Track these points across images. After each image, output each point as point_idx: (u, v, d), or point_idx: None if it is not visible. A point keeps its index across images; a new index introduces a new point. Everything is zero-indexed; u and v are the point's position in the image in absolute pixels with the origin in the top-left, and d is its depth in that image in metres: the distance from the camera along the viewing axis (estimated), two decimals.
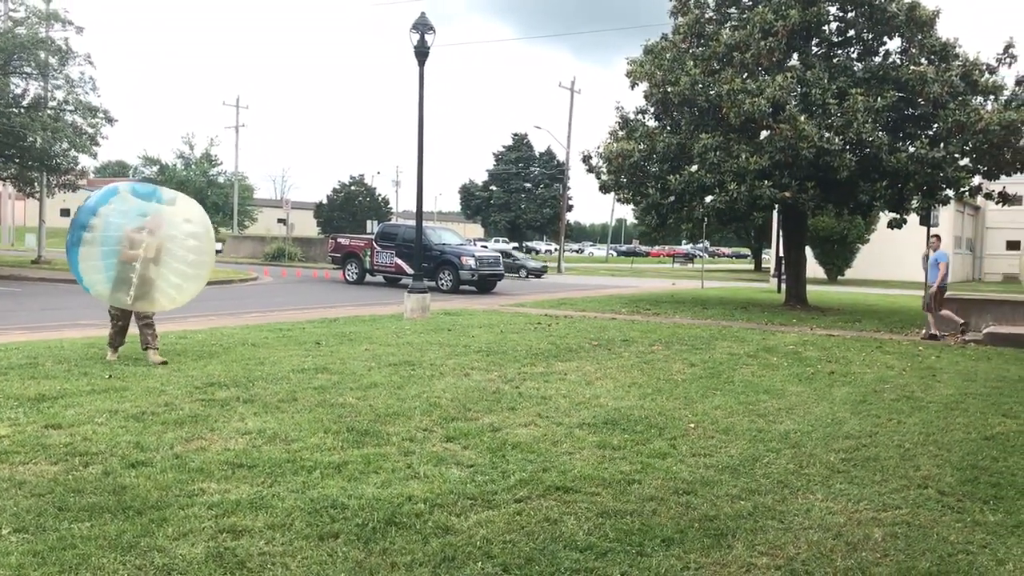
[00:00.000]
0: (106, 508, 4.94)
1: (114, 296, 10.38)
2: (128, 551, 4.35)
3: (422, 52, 17.77)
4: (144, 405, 7.68)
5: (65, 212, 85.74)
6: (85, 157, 35.58)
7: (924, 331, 16.63)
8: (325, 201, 78.49)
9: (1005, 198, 21.68)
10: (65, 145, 32.72)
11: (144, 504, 5.03)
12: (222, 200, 72.27)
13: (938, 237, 17.41)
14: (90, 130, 33.53)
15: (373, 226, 46.37)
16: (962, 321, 16.45)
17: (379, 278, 30.08)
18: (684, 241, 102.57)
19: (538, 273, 42.74)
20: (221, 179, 79.05)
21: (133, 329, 10.83)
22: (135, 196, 10.56)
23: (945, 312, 16.75)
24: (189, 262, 10.69)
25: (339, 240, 31.88)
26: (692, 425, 7.73)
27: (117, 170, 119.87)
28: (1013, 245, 59.86)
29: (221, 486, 5.43)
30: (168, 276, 10.51)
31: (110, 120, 34.16)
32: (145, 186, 11.05)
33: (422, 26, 17.72)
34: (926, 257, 17.23)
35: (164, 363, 10.14)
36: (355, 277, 30.10)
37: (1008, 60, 21.01)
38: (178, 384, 8.76)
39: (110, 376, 9.06)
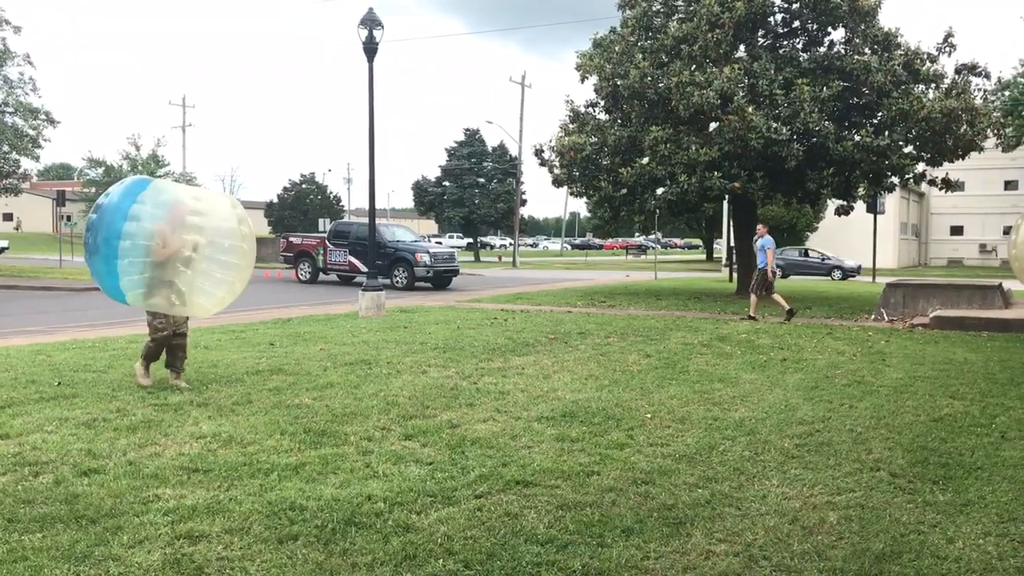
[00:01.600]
0: (58, 518, 4.84)
1: (149, 300, 8.73)
2: (82, 561, 4.27)
3: (371, 48, 17.64)
4: (95, 411, 7.54)
5: (8, 216, 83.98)
6: (27, 160, 34.83)
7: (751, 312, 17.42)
8: (276, 200, 77.55)
9: (948, 184, 22.17)
10: (6, 148, 32.04)
11: (98, 512, 4.94)
12: None
13: (763, 225, 18.52)
14: (31, 132, 32.87)
15: (325, 224, 46.03)
16: (788, 307, 17.25)
17: (333, 277, 29.85)
18: (637, 233, 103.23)
19: (853, 273, 39.21)
20: (169, 180, 77.93)
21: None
22: (166, 188, 8.88)
23: (776, 296, 17.77)
24: (232, 266, 8.84)
25: (291, 239, 31.56)
26: (649, 415, 7.80)
27: (61, 173, 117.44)
28: (956, 230, 61.21)
29: (176, 491, 5.36)
30: (204, 280, 8.69)
31: (52, 121, 33.51)
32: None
33: (370, 21, 17.60)
34: (755, 243, 18.29)
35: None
36: (308, 276, 29.83)
37: (948, 49, 21.48)
38: (130, 389, 8.62)
39: (59, 383, 8.87)
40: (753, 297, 17.57)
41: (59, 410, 7.59)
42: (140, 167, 77.27)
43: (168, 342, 8.95)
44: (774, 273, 17.59)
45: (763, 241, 17.61)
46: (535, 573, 4.25)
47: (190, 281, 8.56)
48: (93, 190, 76.54)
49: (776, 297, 17.77)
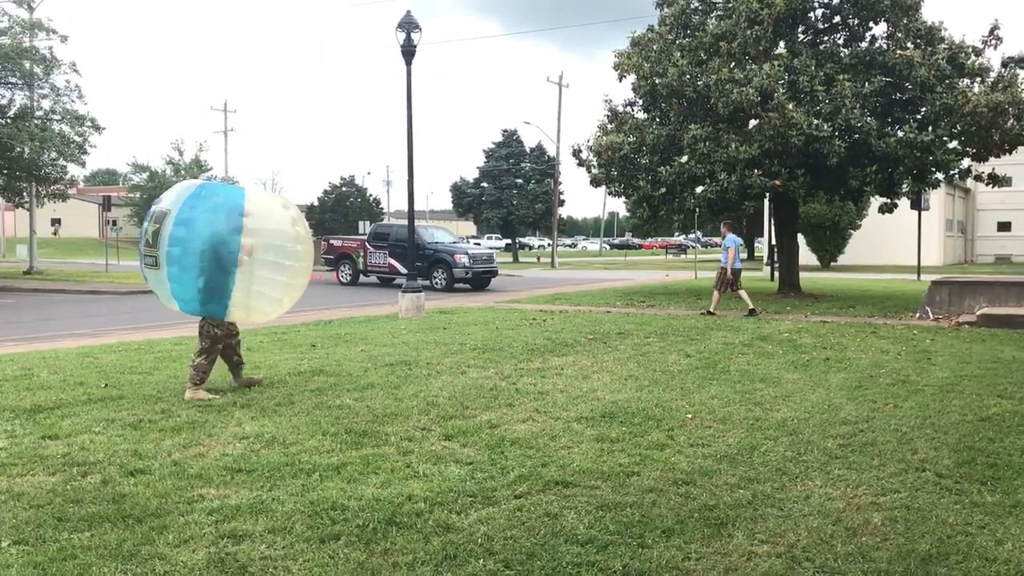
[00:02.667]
0: (106, 517, 4.93)
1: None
2: (129, 560, 4.35)
3: (408, 51, 17.74)
4: (141, 413, 7.67)
5: (56, 221, 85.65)
6: (74, 166, 35.49)
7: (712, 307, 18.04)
8: (316, 203, 78.30)
9: (995, 180, 21.76)
10: (54, 155, 32.64)
11: (144, 512, 5.02)
12: None
13: (727, 224, 19.12)
14: (78, 139, 33.43)
15: (365, 227, 46.35)
16: (752, 306, 17.69)
17: (373, 279, 30.04)
18: (676, 232, 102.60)
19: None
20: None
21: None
22: (217, 193, 8.64)
23: (741, 292, 18.13)
24: (291, 270, 8.85)
25: (332, 242, 31.81)
26: (689, 416, 7.75)
27: (107, 178, 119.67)
28: (1004, 226, 60.06)
29: (220, 491, 5.43)
30: (265, 284, 8.67)
31: (98, 128, 34.06)
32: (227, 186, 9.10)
33: (408, 24, 17.69)
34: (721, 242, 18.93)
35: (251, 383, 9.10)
36: (349, 278, 30.06)
37: (994, 42, 21.06)
38: (175, 391, 8.75)
39: (106, 385, 9.04)
40: (716, 294, 18.22)
41: (106, 411, 7.73)
42: (183, 172, 78.56)
43: (220, 344, 8.83)
44: (736, 271, 18.10)
45: (727, 240, 18.27)
46: (575, 573, 4.24)
47: (247, 287, 8.44)
48: (137, 195, 78.05)
49: (742, 293, 18.11)
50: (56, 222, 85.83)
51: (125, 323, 16.72)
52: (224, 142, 69.67)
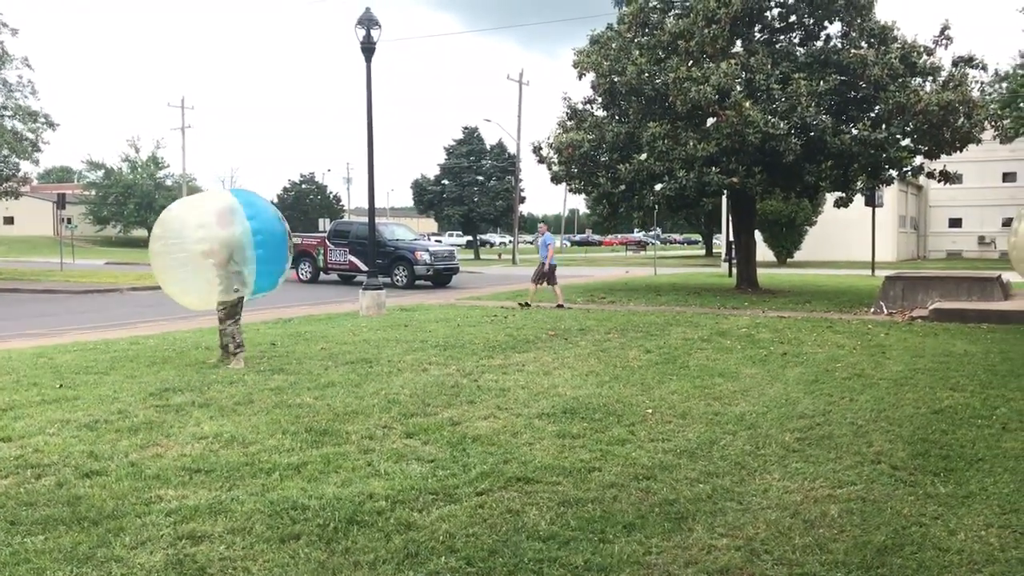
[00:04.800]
0: (60, 520, 4.85)
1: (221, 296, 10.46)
2: (84, 563, 4.28)
3: (368, 48, 17.64)
4: (97, 413, 7.55)
5: (8, 220, 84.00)
6: (27, 163, 34.81)
7: (530, 299, 19.52)
8: (276, 200, 77.72)
9: (946, 177, 22.15)
10: (5, 152, 31.99)
11: (100, 514, 4.95)
12: (170, 202, 71.10)
13: (545, 224, 22.41)
14: (31, 135, 32.82)
15: (325, 224, 46.04)
16: (560, 303, 18.90)
17: (333, 276, 29.83)
18: (636, 229, 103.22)
19: None
20: (169, 182, 77.98)
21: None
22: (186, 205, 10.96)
23: (556, 287, 19.54)
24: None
25: (291, 239, 31.49)
26: (650, 411, 7.80)
27: (61, 175, 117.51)
28: (955, 223, 61.18)
29: (178, 492, 5.37)
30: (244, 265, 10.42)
31: (51, 125, 33.47)
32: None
33: (367, 21, 17.59)
34: (536, 240, 21.07)
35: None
36: (309, 276, 29.81)
37: (944, 42, 21.44)
38: (131, 391, 8.62)
39: (60, 386, 8.89)
40: (532, 287, 19.93)
41: (61, 412, 7.60)
42: (140, 169, 77.49)
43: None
44: (552, 266, 19.55)
45: (544, 238, 20.24)
46: (537, 570, 4.26)
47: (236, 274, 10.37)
48: (93, 192, 76.81)
49: (556, 289, 19.45)
50: (9, 220, 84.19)
51: (80, 323, 16.45)
52: (181, 139, 68.77)
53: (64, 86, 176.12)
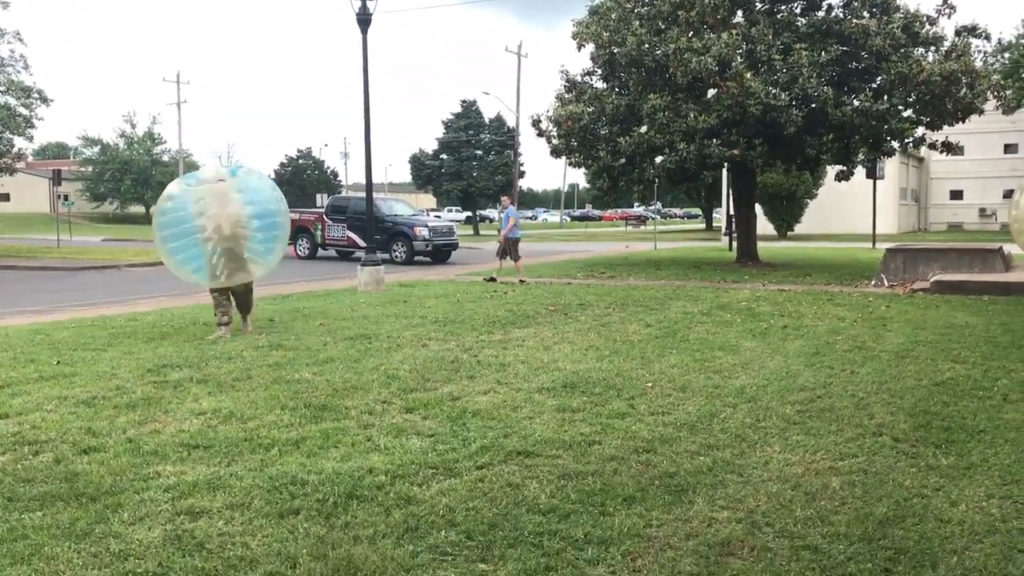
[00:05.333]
0: (58, 496, 4.83)
1: (209, 278, 10.77)
2: (82, 539, 4.26)
3: (364, 19, 17.46)
4: (95, 390, 7.52)
5: (4, 197, 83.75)
6: (21, 139, 34.64)
7: (499, 270, 19.71)
8: (273, 176, 77.43)
9: (948, 148, 22.02)
10: None
11: (98, 490, 4.93)
12: (168, 179, 70.84)
13: (508, 197, 22.05)
14: (24, 111, 32.62)
15: (323, 200, 45.83)
16: (522, 277, 19.05)
17: (331, 252, 29.75)
18: (636, 203, 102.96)
19: None
20: (165, 157, 77.72)
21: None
22: (197, 180, 11.00)
23: (519, 262, 19.60)
24: (259, 230, 11.05)
25: (289, 215, 31.40)
26: (650, 384, 7.78)
27: (57, 151, 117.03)
28: (956, 195, 61.02)
29: (177, 468, 5.34)
30: (250, 245, 10.91)
31: (45, 100, 33.27)
32: (216, 169, 11.72)
33: None
34: (500, 214, 21.24)
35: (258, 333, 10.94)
36: (307, 252, 29.73)
37: (947, 11, 21.27)
38: (129, 367, 8.59)
39: (58, 362, 8.86)
40: (500, 262, 19.92)
41: (58, 389, 7.58)
42: (136, 145, 77.19)
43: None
44: (513, 240, 19.75)
45: (507, 211, 20.23)
46: (537, 543, 4.23)
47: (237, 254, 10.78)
48: (89, 169, 76.54)
49: (518, 265, 19.53)
50: (4, 197, 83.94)
51: (78, 299, 16.40)
52: (178, 114, 68.46)
53: (58, 61, 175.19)
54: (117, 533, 4.33)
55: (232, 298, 11.17)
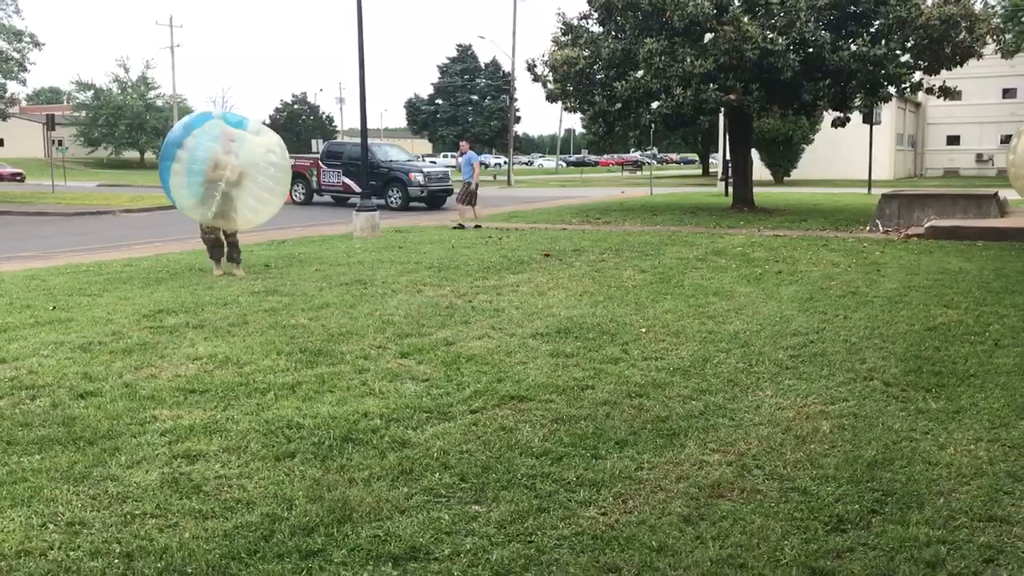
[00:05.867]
0: (56, 440, 4.88)
1: (198, 212, 11.27)
2: (81, 481, 4.31)
3: None
4: (91, 335, 7.54)
5: None
6: (14, 84, 34.27)
7: (458, 222, 19.09)
8: (268, 121, 76.79)
9: (946, 92, 21.85)
10: None
11: (95, 434, 4.97)
12: (162, 124, 70.34)
13: (466, 143, 21.05)
14: (16, 55, 32.23)
15: (318, 145, 45.51)
16: (477, 223, 19.14)
17: (327, 198, 29.63)
18: (633, 149, 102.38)
19: None
20: (159, 102, 77.03)
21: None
22: (224, 123, 11.43)
23: (474, 208, 19.46)
24: (268, 188, 11.60)
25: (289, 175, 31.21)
26: (643, 330, 7.82)
27: (51, 97, 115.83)
28: (953, 140, 60.75)
29: (173, 412, 5.39)
30: (247, 199, 11.33)
31: (37, 44, 32.85)
32: (234, 115, 12.05)
33: None
34: (460, 157, 20.60)
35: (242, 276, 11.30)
36: (302, 198, 29.59)
37: None
38: (125, 312, 8.61)
39: (54, 308, 8.87)
40: (461, 207, 19.38)
41: (55, 334, 7.60)
42: (130, 90, 76.40)
43: (219, 243, 11.56)
44: (478, 184, 19.58)
45: (468, 156, 19.60)
46: (530, 485, 4.29)
47: (233, 200, 11.21)
48: (83, 114, 75.83)
49: (475, 210, 19.46)
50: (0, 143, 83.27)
51: (73, 245, 16.37)
52: (171, 59, 67.65)
53: (51, 4, 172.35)
54: (115, 476, 4.38)
55: (224, 243, 11.67)
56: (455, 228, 18.51)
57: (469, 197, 19.26)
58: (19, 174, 51.92)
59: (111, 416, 5.29)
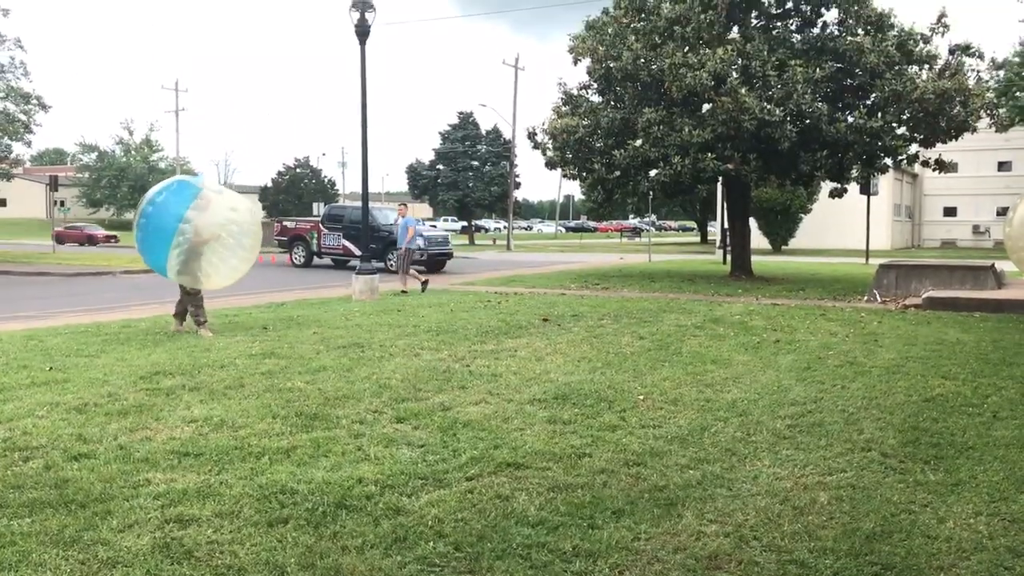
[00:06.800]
0: (47, 503, 4.83)
1: (182, 277, 11.61)
2: (71, 545, 4.26)
3: (363, 31, 17.54)
4: (86, 396, 7.52)
5: (1, 202, 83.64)
6: (19, 145, 34.67)
7: (404, 286, 18.99)
8: (270, 184, 77.53)
9: (941, 165, 22.14)
10: None
11: (87, 497, 4.93)
12: None
13: (404, 205, 21.23)
14: (23, 117, 32.65)
15: (320, 208, 45.88)
16: (424, 279, 19.18)
17: (327, 261, 29.78)
18: (631, 216, 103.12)
19: None
20: (163, 164, 77.76)
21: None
22: (184, 189, 11.69)
23: (412, 271, 19.38)
24: (238, 246, 11.79)
25: (285, 223, 31.47)
26: (641, 397, 7.80)
27: (54, 158, 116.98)
28: (950, 211, 61.26)
29: (167, 476, 5.35)
30: (216, 258, 11.58)
31: (44, 106, 33.32)
32: (193, 180, 12.26)
33: (362, 4, 17.48)
34: (396, 223, 20.71)
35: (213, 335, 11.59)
36: (302, 260, 29.76)
37: (941, 29, 21.37)
38: (122, 374, 8.59)
39: (51, 368, 8.85)
40: (402, 275, 19.26)
41: (50, 395, 7.57)
42: (134, 152, 77.19)
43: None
44: (409, 251, 19.55)
45: (405, 221, 19.71)
46: (526, 555, 4.25)
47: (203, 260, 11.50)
48: (86, 175, 76.48)
49: (412, 273, 19.36)
50: (1, 203, 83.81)
51: (73, 305, 16.39)
52: (175, 122, 68.67)
53: (57, 67, 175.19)
54: (106, 540, 4.33)
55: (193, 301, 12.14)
56: (400, 294, 18.18)
57: (403, 263, 19.31)
58: (113, 237, 52.38)
59: (104, 479, 5.25)
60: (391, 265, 27.07)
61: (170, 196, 11.53)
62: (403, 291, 18.51)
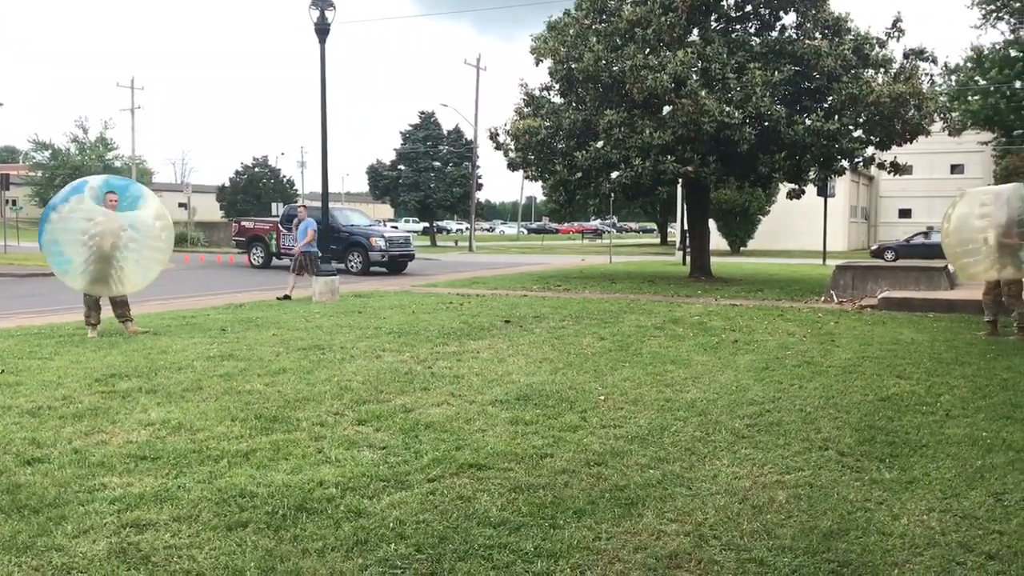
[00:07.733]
0: (0, 508, 4.74)
1: (88, 286, 11.47)
2: (24, 552, 4.18)
3: (323, 29, 17.43)
4: (40, 399, 7.39)
5: None
6: None
7: (287, 291, 17.29)
8: (228, 184, 76.62)
9: (897, 168, 22.53)
10: None
11: (41, 502, 4.84)
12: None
13: (304, 207, 19.27)
14: None
15: (278, 209, 45.50)
16: (288, 293, 17.12)
17: (286, 262, 29.51)
18: (592, 217, 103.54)
19: None
20: (118, 163, 76.58)
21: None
22: (95, 194, 11.52)
23: (293, 277, 17.38)
24: (150, 248, 11.79)
25: (243, 223, 31.17)
26: (602, 397, 7.83)
27: (6, 156, 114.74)
28: (905, 213, 62.29)
29: (123, 480, 5.27)
30: (127, 263, 11.51)
31: None
32: (116, 180, 12.37)
33: (322, 2, 17.38)
34: (296, 225, 18.89)
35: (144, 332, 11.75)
36: (261, 261, 29.50)
37: (896, 34, 21.76)
38: (76, 376, 8.45)
39: (2, 371, 8.68)
40: (294, 279, 17.41)
41: (2, 398, 7.43)
42: (88, 150, 75.99)
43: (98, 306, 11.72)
44: (304, 254, 17.65)
45: (305, 223, 17.87)
46: (487, 555, 4.25)
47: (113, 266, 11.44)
48: (39, 173, 75.15)
49: (292, 279, 17.39)
50: None
51: (26, 307, 16.10)
52: (131, 120, 67.44)
53: (9, 63, 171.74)
54: (60, 546, 4.26)
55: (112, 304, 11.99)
56: (283, 299, 17.01)
57: (299, 266, 17.55)
58: None
59: (59, 483, 5.16)
60: (351, 266, 26.96)
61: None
62: (287, 296, 17.13)
